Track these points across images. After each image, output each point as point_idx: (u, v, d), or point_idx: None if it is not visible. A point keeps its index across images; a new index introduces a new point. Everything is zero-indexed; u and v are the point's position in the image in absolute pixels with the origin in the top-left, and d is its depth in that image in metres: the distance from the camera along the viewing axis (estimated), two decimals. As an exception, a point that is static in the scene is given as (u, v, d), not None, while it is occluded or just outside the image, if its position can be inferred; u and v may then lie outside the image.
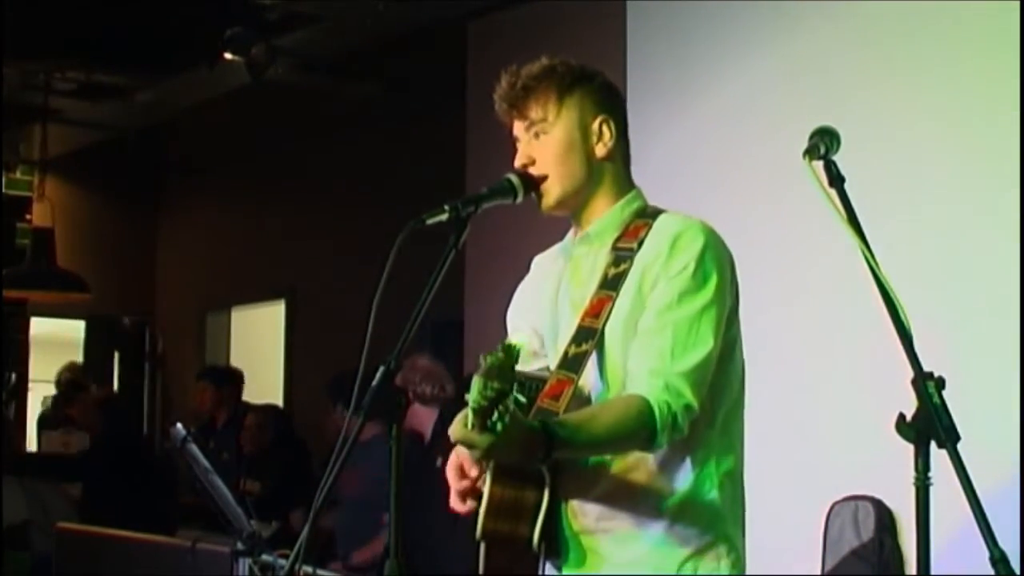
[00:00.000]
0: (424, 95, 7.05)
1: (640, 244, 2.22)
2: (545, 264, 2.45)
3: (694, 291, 2.15)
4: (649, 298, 2.17)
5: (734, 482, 2.25)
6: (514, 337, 2.39)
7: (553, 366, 2.27)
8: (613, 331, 2.19)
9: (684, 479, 2.19)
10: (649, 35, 5.04)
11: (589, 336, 2.18)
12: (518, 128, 2.29)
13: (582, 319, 2.21)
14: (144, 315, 9.79)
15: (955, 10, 4.01)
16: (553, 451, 2.01)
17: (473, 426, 1.90)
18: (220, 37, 6.18)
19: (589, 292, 2.24)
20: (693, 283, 2.15)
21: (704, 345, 2.14)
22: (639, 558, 2.18)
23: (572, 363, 2.18)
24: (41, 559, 5.33)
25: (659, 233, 2.22)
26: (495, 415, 1.84)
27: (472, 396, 1.85)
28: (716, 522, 2.21)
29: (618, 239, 2.26)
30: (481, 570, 2.20)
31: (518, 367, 2.39)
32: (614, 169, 2.30)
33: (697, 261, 2.16)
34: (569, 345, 2.20)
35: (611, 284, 2.20)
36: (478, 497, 2.22)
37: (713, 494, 2.20)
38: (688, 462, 2.19)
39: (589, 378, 2.21)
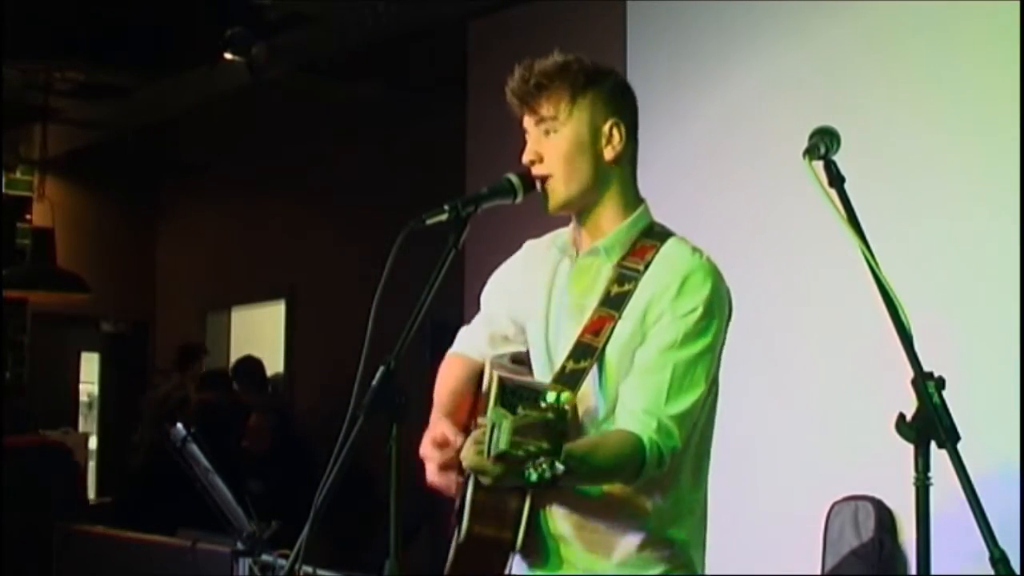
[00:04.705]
0: (424, 95, 7.05)
1: (646, 267, 2.23)
2: (536, 254, 2.45)
3: (697, 335, 2.19)
4: (652, 330, 2.20)
5: (702, 508, 2.32)
6: (503, 328, 2.41)
7: (540, 368, 2.32)
8: (613, 352, 2.21)
9: (659, 503, 2.24)
10: (649, 35, 5.04)
11: (588, 354, 2.20)
12: (527, 122, 2.27)
13: (581, 335, 2.22)
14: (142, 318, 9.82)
15: (955, 11, 4.01)
16: (558, 480, 2.03)
17: (486, 453, 1.90)
18: (220, 37, 6.18)
19: (588, 303, 2.26)
20: (697, 327, 2.19)
21: (697, 388, 2.19)
22: (604, 570, 2.23)
23: (569, 379, 2.19)
24: (44, 564, 5.33)
25: (668, 264, 2.23)
26: (531, 471, 1.83)
27: (503, 438, 1.83)
28: (685, 547, 2.28)
29: (623, 256, 2.27)
30: (449, 566, 2.23)
31: (497, 359, 2.42)
32: (621, 174, 2.30)
33: (705, 306, 2.19)
34: (567, 360, 2.22)
35: (613, 303, 2.22)
36: (459, 469, 2.23)
37: (683, 519, 2.27)
38: (664, 487, 2.23)
39: (585, 395, 2.22)
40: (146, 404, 7.28)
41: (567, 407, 1.84)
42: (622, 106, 2.30)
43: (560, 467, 1.81)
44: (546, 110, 2.23)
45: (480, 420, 2.02)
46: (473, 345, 2.51)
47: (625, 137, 2.28)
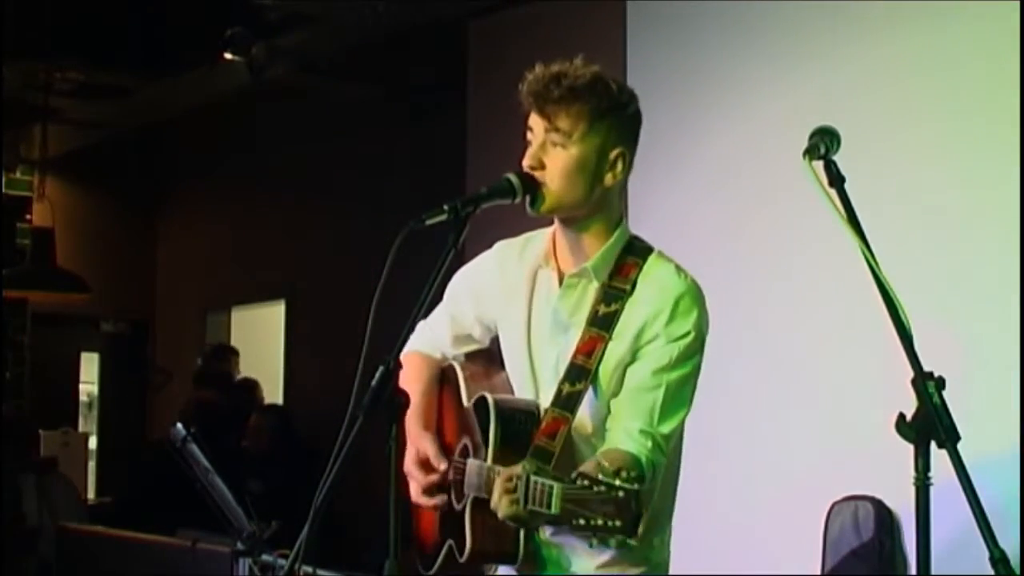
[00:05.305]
0: (424, 95, 7.05)
1: (633, 287, 2.27)
2: (510, 256, 2.46)
3: (687, 358, 2.25)
4: (643, 350, 2.24)
5: (672, 512, 2.39)
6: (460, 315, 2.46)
7: (520, 379, 2.36)
8: (606, 372, 2.25)
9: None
10: (649, 35, 5.04)
11: (583, 376, 2.24)
12: (536, 123, 2.26)
13: (575, 357, 2.26)
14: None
15: (955, 10, 4.01)
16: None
17: (521, 505, 1.97)
18: (220, 37, 6.18)
19: (575, 322, 2.29)
20: (688, 350, 2.25)
21: (684, 407, 2.26)
22: (588, 571, 2.30)
23: (567, 402, 2.23)
24: (45, 564, 5.33)
25: (656, 286, 2.27)
26: (593, 540, 1.86)
27: (556, 504, 1.88)
28: (661, 549, 2.36)
29: (609, 275, 2.29)
30: (438, 568, 2.32)
31: (455, 359, 2.47)
32: (613, 196, 2.32)
33: (696, 330, 2.25)
34: (563, 383, 2.25)
35: (602, 323, 2.26)
36: (444, 490, 2.32)
37: (660, 523, 2.33)
38: (645, 496, 2.25)
39: (581, 417, 2.26)
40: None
41: (636, 487, 1.87)
42: (631, 136, 2.30)
43: (633, 543, 1.85)
44: (563, 123, 2.22)
45: (513, 470, 2.04)
46: (434, 344, 2.54)
47: (627, 167, 2.29)
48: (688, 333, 2.23)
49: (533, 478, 1.96)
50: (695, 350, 2.25)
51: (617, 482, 1.85)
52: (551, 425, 2.21)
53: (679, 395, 2.23)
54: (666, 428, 2.21)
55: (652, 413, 2.20)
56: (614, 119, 2.25)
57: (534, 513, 1.97)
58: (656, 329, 2.23)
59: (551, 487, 1.90)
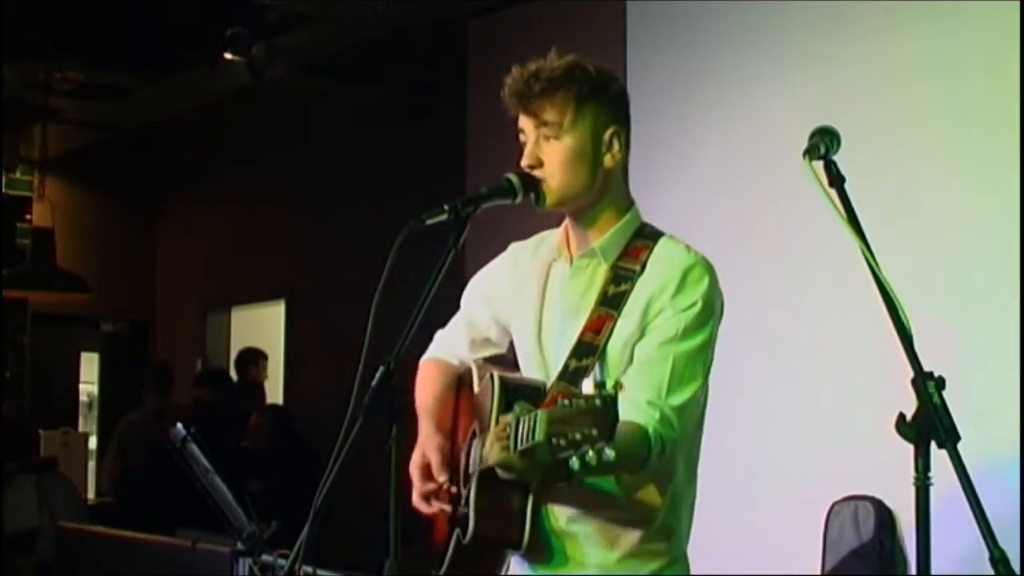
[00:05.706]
0: (424, 95, 7.05)
1: (643, 268, 2.24)
2: (523, 255, 2.45)
3: (696, 328, 2.20)
4: (652, 324, 2.21)
5: (693, 500, 2.34)
6: (481, 324, 2.44)
7: (531, 367, 2.33)
8: (614, 349, 2.22)
9: (658, 495, 2.25)
10: (649, 35, 5.04)
11: (590, 351, 2.21)
12: (525, 123, 2.26)
13: (582, 333, 2.23)
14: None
15: (955, 11, 4.01)
16: (574, 474, 2.03)
17: (512, 449, 1.93)
18: (220, 37, 6.19)
19: (584, 304, 2.27)
20: (697, 321, 2.20)
21: (696, 381, 2.20)
22: (608, 565, 2.25)
23: (573, 376, 2.21)
24: (45, 564, 5.33)
25: (665, 262, 2.24)
26: (574, 458, 1.81)
27: (540, 429, 1.83)
28: (681, 538, 2.31)
29: (618, 257, 2.27)
30: (447, 566, 2.27)
31: (477, 359, 2.47)
32: (616, 179, 2.31)
33: (704, 301, 2.21)
34: (570, 358, 2.23)
35: (611, 302, 2.23)
36: (446, 499, 2.29)
37: (679, 511, 2.29)
38: (662, 480, 2.25)
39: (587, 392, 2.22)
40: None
41: (615, 392, 1.83)
42: (622, 114, 2.30)
43: (611, 453, 1.80)
44: (550, 115, 2.21)
45: (505, 418, 2.02)
46: (451, 350, 2.54)
47: (624, 145, 2.28)
48: (695, 303, 2.19)
49: (523, 417, 1.93)
50: (705, 320, 2.20)
51: (595, 390, 1.83)
52: (556, 399, 2.19)
53: (689, 367, 2.18)
54: (676, 400, 2.16)
55: (660, 386, 2.16)
56: (599, 101, 2.24)
57: (523, 454, 1.92)
58: (663, 302, 2.20)
59: (536, 415, 1.87)
